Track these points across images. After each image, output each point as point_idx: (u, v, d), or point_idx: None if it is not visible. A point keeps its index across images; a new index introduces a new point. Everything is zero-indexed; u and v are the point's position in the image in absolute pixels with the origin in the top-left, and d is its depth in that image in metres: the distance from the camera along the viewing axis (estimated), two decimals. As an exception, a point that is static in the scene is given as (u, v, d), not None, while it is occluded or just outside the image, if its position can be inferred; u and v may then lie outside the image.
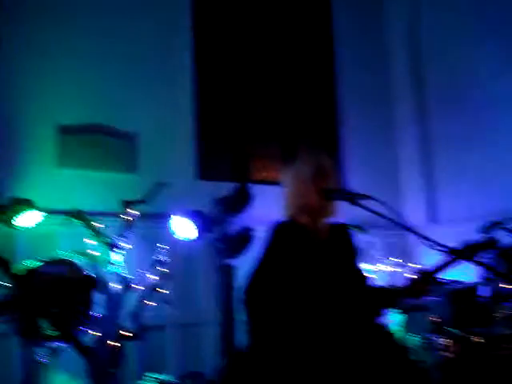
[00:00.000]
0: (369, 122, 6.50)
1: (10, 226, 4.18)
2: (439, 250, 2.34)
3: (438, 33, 6.34)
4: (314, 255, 2.59)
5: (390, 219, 2.39)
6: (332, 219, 2.88)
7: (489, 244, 2.71)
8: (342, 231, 2.88)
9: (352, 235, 2.93)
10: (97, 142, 4.93)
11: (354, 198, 2.47)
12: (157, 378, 4.14)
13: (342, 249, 2.79)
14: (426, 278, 2.60)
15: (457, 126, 6.04)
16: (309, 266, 2.53)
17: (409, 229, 2.37)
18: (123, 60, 5.15)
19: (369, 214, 5.23)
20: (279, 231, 2.61)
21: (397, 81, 6.63)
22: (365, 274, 2.77)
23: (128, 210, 4.48)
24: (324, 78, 6.54)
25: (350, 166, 6.36)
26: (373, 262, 5.60)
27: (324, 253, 2.68)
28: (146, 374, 4.23)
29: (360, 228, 4.94)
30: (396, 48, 6.65)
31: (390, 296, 2.66)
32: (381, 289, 2.78)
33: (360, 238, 5.87)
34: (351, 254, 2.82)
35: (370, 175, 6.16)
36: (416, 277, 2.61)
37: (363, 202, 2.45)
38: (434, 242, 2.32)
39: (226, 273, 4.51)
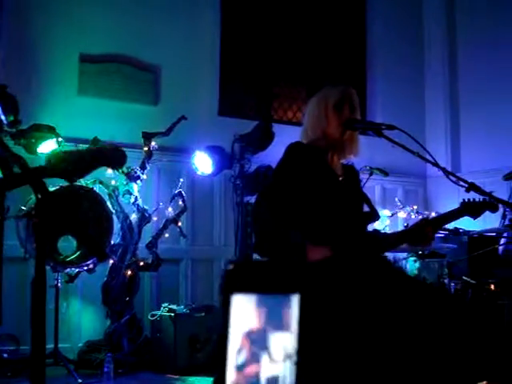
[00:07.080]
0: (399, 69, 6.30)
1: (32, 152, 4.16)
2: (462, 186, 2.28)
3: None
4: (330, 183, 2.47)
5: (413, 152, 2.30)
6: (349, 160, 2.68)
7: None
8: (354, 173, 2.70)
9: (360, 179, 2.78)
10: (119, 72, 4.85)
11: (379, 129, 2.35)
12: (171, 309, 4.19)
13: (356, 190, 2.65)
14: (433, 224, 2.48)
15: (488, 75, 5.88)
16: (326, 190, 2.41)
17: (435, 163, 2.29)
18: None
19: (389, 159, 5.14)
20: (297, 151, 2.42)
21: (430, 26, 6.43)
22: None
23: (148, 141, 4.46)
24: (354, 21, 6.36)
25: (376, 112, 6.25)
26: (392, 208, 5.59)
27: (341, 189, 2.56)
28: (162, 304, 4.28)
29: (382, 171, 4.88)
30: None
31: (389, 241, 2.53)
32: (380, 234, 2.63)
33: (381, 184, 5.88)
34: (363, 198, 2.68)
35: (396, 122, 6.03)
36: (422, 221, 2.49)
37: (387, 134, 2.35)
38: (457, 177, 2.26)
39: (244, 209, 4.52)
